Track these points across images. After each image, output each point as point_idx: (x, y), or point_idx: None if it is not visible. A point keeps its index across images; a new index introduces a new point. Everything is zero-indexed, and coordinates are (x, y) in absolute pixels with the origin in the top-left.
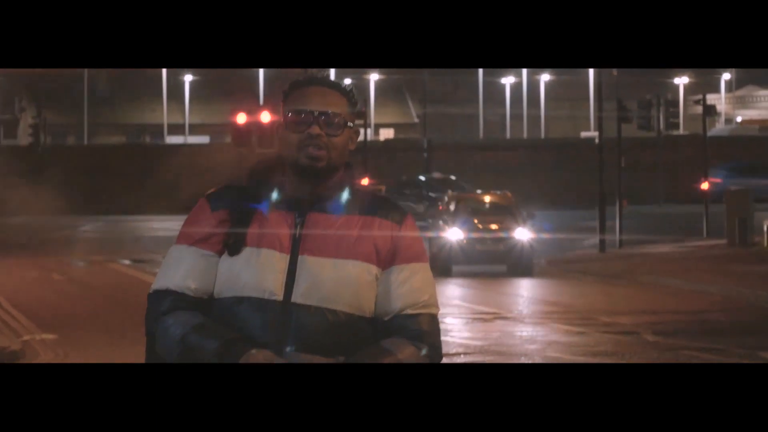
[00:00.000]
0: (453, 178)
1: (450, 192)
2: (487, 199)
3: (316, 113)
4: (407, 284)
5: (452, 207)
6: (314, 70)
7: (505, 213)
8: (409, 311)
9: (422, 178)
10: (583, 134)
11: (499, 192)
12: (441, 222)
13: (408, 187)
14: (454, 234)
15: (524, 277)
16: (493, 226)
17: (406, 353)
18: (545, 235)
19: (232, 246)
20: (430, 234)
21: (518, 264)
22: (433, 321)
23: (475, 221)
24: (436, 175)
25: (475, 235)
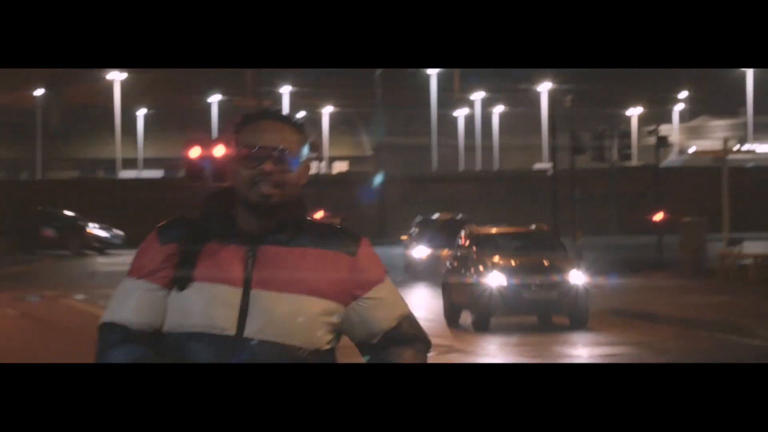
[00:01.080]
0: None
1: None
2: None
3: (269, 149)
4: (381, 307)
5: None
6: (267, 103)
7: (547, 250)
8: (392, 325)
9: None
10: (536, 166)
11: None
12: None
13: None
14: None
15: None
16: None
17: (408, 356)
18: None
19: (180, 280)
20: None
21: (573, 313)
22: (413, 320)
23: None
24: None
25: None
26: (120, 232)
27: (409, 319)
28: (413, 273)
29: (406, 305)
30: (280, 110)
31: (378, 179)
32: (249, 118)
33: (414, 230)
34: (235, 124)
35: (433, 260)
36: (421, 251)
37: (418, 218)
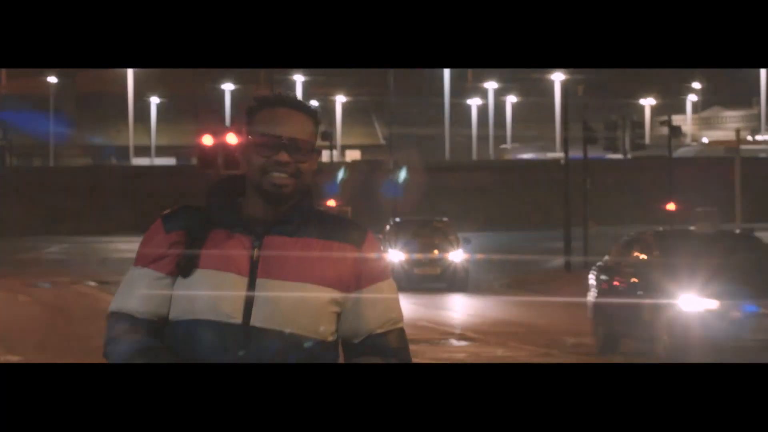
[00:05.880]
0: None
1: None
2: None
3: (284, 139)
4: (374, 305)
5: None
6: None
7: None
8: (379, 330)
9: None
10: (549, 155)
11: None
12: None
13: None
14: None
15: (470, 295)
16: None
17: None
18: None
19: (184, 268)
20: None
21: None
22: (402, 336)
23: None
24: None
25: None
26: None
27: (399, 332)
28: None
29: (401, 316)
30: (295, 97)
31: (402, 175)
32: (263, 103)
33: (388, 232)
34: (249, 108)
35: (409, 266)
36: (395, 256)
37: (396, 219)
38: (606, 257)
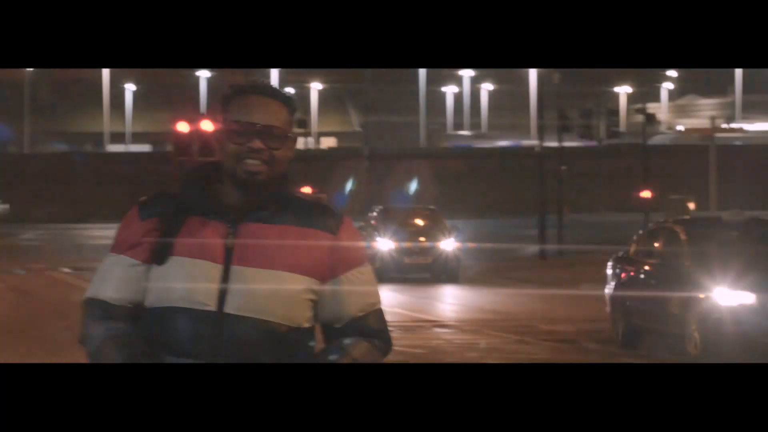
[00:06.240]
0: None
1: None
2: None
3: (258, 126)
4: (353, 291)
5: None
6: (255, 75)
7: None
8: (359, 314)
9: None
10: (524, 143)
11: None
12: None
13: None
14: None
15: (455, 284)
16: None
17: (362, 350)
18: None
19: (159, 255)
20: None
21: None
22: (381, 316)
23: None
24: None
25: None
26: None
27: (377, 313)
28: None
29: (378, 298)
30: (269, 84)
31: (413, 186)
32: (237, 91)
33: (372, 220)
34: (223, 95)
35: (399, 255)
36: (384, 244)
37: (379, 207)
38: (628, 247)
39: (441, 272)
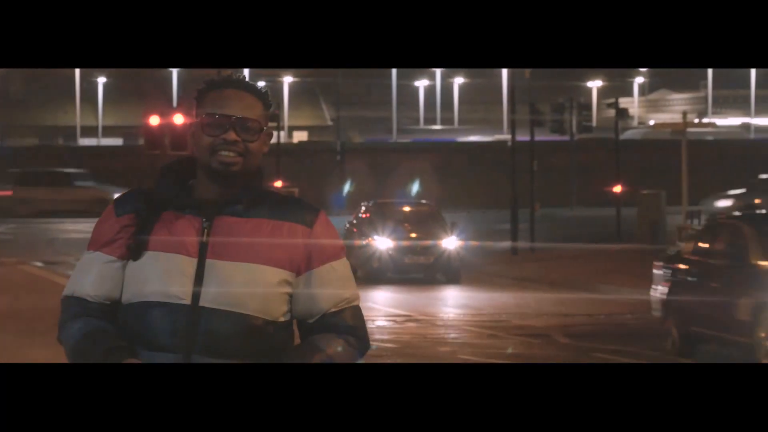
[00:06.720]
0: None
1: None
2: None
3: (232, 118)
4: (328, 285)
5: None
6: (229, 71)
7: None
8: (333, 310)
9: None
10: (496, 137)
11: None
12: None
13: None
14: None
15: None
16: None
17: (336, 347)
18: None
19: (135, 251)
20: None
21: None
22: (358, 313)
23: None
24: None
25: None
26: None
27: (353, 309)
28: (367, 270)
29: (356, 294)
30: (243, 78)
31: (416, 187)
32: (213, 85)
33: (361, 215)
34: (198, 90)
35: (398, 254)
36: (382, 243)
37: (370, 202)
38: (679, 245)
39: (442, 272)
